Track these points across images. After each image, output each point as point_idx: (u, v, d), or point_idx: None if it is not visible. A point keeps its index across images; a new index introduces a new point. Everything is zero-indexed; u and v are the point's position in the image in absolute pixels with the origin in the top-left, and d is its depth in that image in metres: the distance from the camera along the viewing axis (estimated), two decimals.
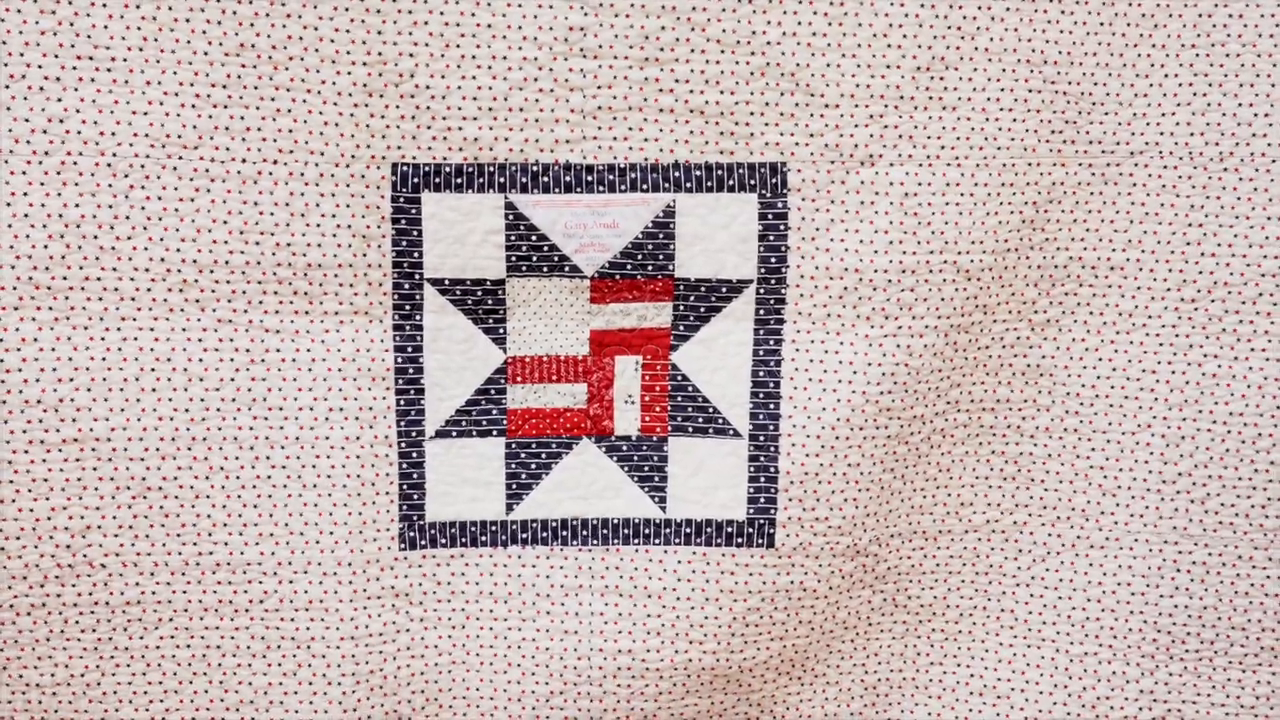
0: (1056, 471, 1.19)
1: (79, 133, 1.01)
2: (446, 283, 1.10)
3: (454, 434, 1.13)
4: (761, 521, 1.15)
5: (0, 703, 1.10)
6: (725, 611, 1.16)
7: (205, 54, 1.02)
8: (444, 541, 1.15)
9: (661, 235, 1.10)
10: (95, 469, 1.06)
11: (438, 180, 1.06)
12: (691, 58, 1.05)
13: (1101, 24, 1.09)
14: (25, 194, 1.01)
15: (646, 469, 1.16)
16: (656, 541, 1.17)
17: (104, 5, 1.00)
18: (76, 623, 1.09)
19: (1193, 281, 1.14)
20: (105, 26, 1.00)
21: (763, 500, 1.15)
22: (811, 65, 1.06)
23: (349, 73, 1.03)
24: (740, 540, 1.16)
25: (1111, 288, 1.15)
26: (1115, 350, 1.16)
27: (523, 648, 1.17)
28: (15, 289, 1.02)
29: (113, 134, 1.02)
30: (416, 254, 1.08)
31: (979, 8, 1.07)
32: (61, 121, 1.01)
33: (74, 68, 1.00)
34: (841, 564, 1.17)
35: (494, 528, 1.16)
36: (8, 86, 0.99)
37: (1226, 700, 1.20)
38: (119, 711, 1.12)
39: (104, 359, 1.05)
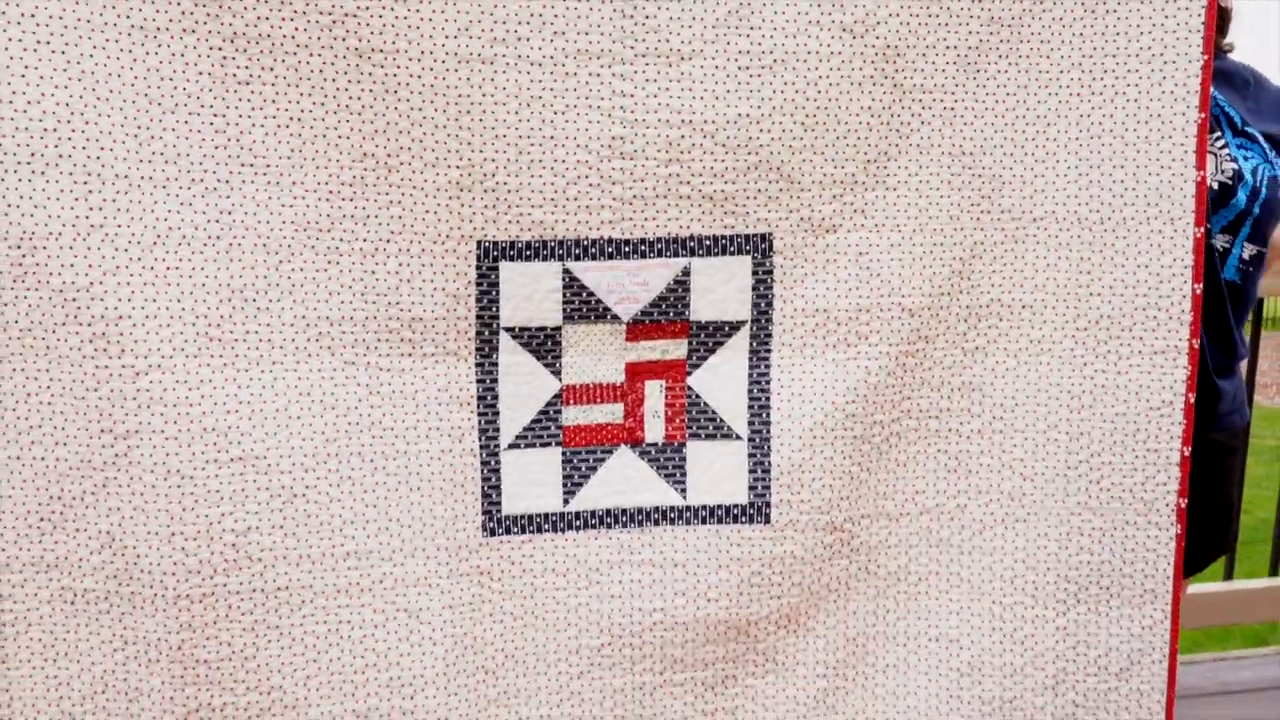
0: (987, 464, 1.54)
1: (243, 221, 1.34)
2: (517, 330, 1.43)
3: (523, 446, 1.46)
4: (760, 504, 1.49)
5: (174, 677, 1.40)
6: (734, 576, 1.50)
7: (337, 160, 1.35)
8: (516, 530, 1.47)
9: (680, 289, 1.44)
10: (254, 480, 1.37)
11: (512, 253, 1.40)
12: (703, 158, 1.39)
13: (1007, 124, 1.45)
14: (202, 268, 1.33)
15: (670, 467, 1.50)
16: (679, 523, 1.50)
17: (262, 125, 1.32)
18: (238, 607, 1.40)
19: (1084, 315, 1.49)
20: (263, 141, 1.33)
21: (760, 488, 1.49)
22: (791, 161, 1.41)
23: (445, 174, 1.36)
24: (744, 519, 1.49)
25: (1023, 321, 1.50)
26: (1028, 369, 1.51)
27: (579, 610, 1.49)
28: (195, 340, 1.34)
29: (267, 222, 1.34)
30: (494, 308, 1.41)
31: (913, 114, 1.43)
32: (230, 213, 1.33)
33: (239, 172, 1.33)
34: (823, 537, 1.51)
35: (554, 518, 1.48)
36: (189, 188, 1.32)
37: (1120, 631, 1.55)
38: (269, 680, 1.42)
39: (260, 394, 1.37)
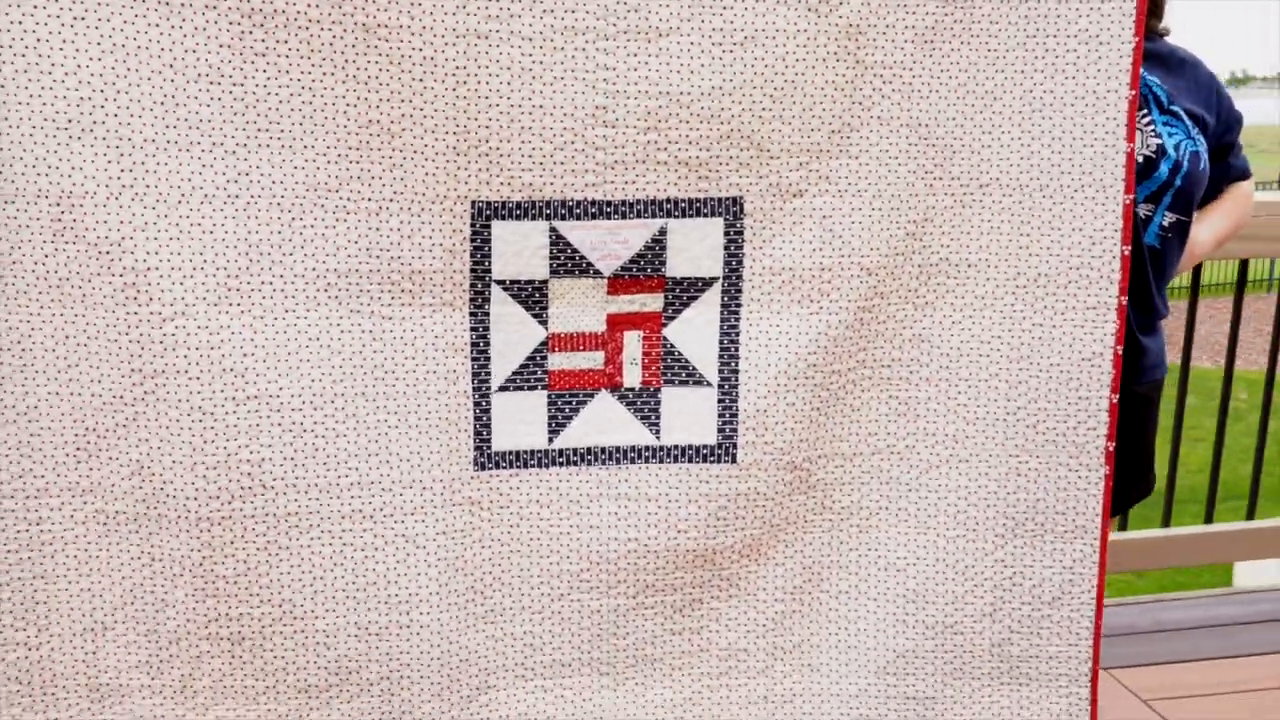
0: (934, 409, 1.69)
1: (258, 181, 1.47)
2: (507, 282, 1.57)
3: (511, 388, 1.61)
4: (727, 445, 1.64)
5: (196, 590, 1.55)
6: (702, 510, 1.65)
7: (344, 126, 1.48)
8: (504, 465, 1.62)
9: (657, 247, 1.58)
10: (268, 416, 1.52)
11: (503, 212, 1.53)
12: (679, 127, 1.53)
13: (958, 98, 1.58)
14: (221, 224, 1.47)
15: (646, 410, 1.65)
16: (653, 461, 1.65)
17: (276, 93, 1.45)
18: (253, 529, 1.54)
19: (1024, 274, 1.63)
20: (277, 108, 1.45)
21: (728, 430, 1.64)
22: (761, 131, 1.54)
23: (443, 139, 1.49)
24: (712, 458, 1.65)
25: (969, 279, 1.64)
26: (973, 322, 1.66)
27: (560, 539, 1.65)
28: (215, 290, 1.48)
29: (281, 182, 1.47)
30: (487, 263, 1.55)
31: (873, 89, 1.56)
32: (246, 174, 1.46)
33: (255, 136, 1.46)
34: (784, 475, 1.66)
35: (540, 454, 1.63)
36: (210, 151, 1.45)
37: (1053, 564, 1.71)
38: (280, 594, 1.57)
39: (273, 339, 1.51)
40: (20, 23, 1.36)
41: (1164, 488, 3.18)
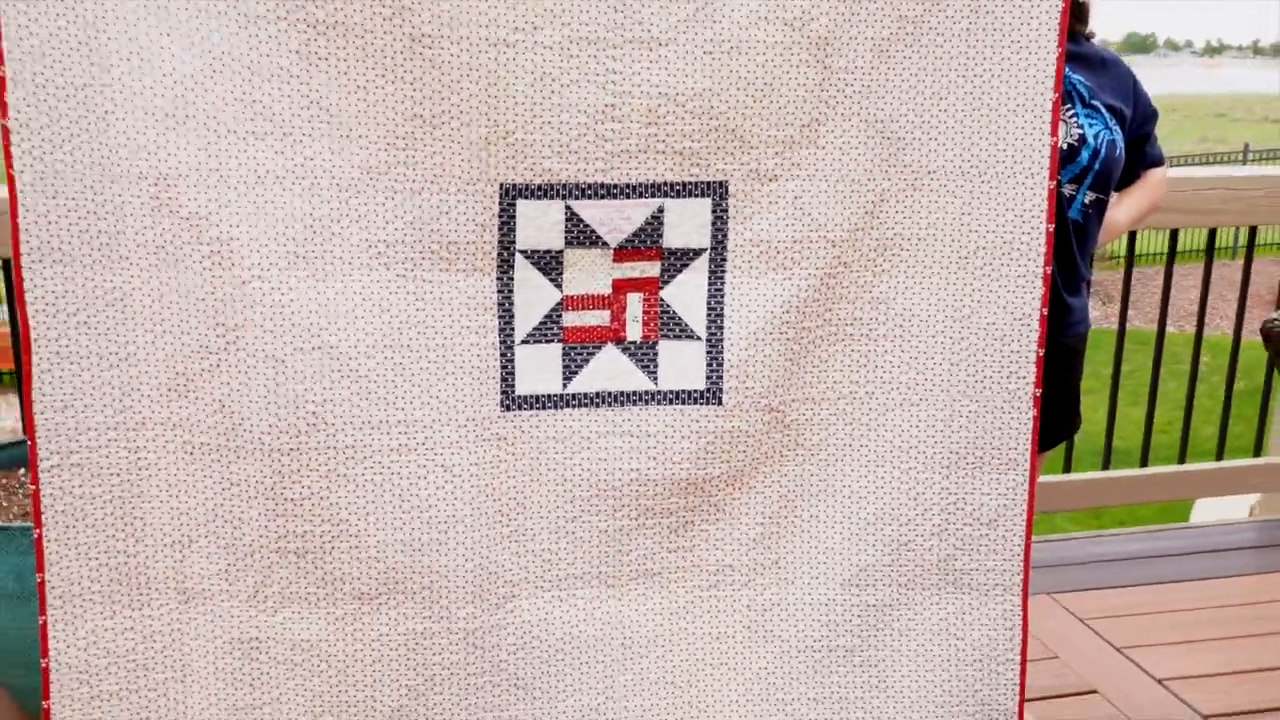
0: (890, 361, 1.98)
1: (321, 165, 1.75)
2: (529, 251, 1.85)
3: (532, 342, 1.90)
4: (714, 390, 1.94)
5: (267, 510, 1.83)
6: (693, 445, 1.94)
7: (393, 119, 1.75)
8: (526, 406, 1.91)
9: (655, 223, 1.87)
10: (329, 364, 1.80)
11: (526, 193, 1.82)
12: (675, 122, 1.81)
13: (910, 98, 1.87)
14: (290, 201, 1.74)
15: (645, 360, 1.94)
16: (652, 404, 1.94)
17: (337, 91, 1.73)
18: (316, 459, 1.82)
19: (965, 246, 1.93)
20: (338, 104, 1.73)
21: (714, 378, 1.93)
22: (743, 125, 1.83)
23: (476, 131, 1.77)
24: (701, 401, 1.94)
25: (919, 251, 1.94)
26: (922, 288, 1.95)
27: (573, 469, 1.94)
28: (285, 257, 1.75)
29: (340, 166, 1.75)
30: (511, 235, 1.83)
31: (838, 90, 1.85)
32: (311, 159, 1.74)
33: (319, 128, 1.73)
34: (762, 416, 1.96)
35: (555, 398, 1.92)
36: (281, 139, 1.72)
37: (990, 491, 2.02)
38: (338, 515, 1.84)
39: (333, 299, 1.78)
40: (127, 32, 1.63)
41: (1106, 440, 3.52)
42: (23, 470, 2.74)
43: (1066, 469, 3.43)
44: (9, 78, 1.63)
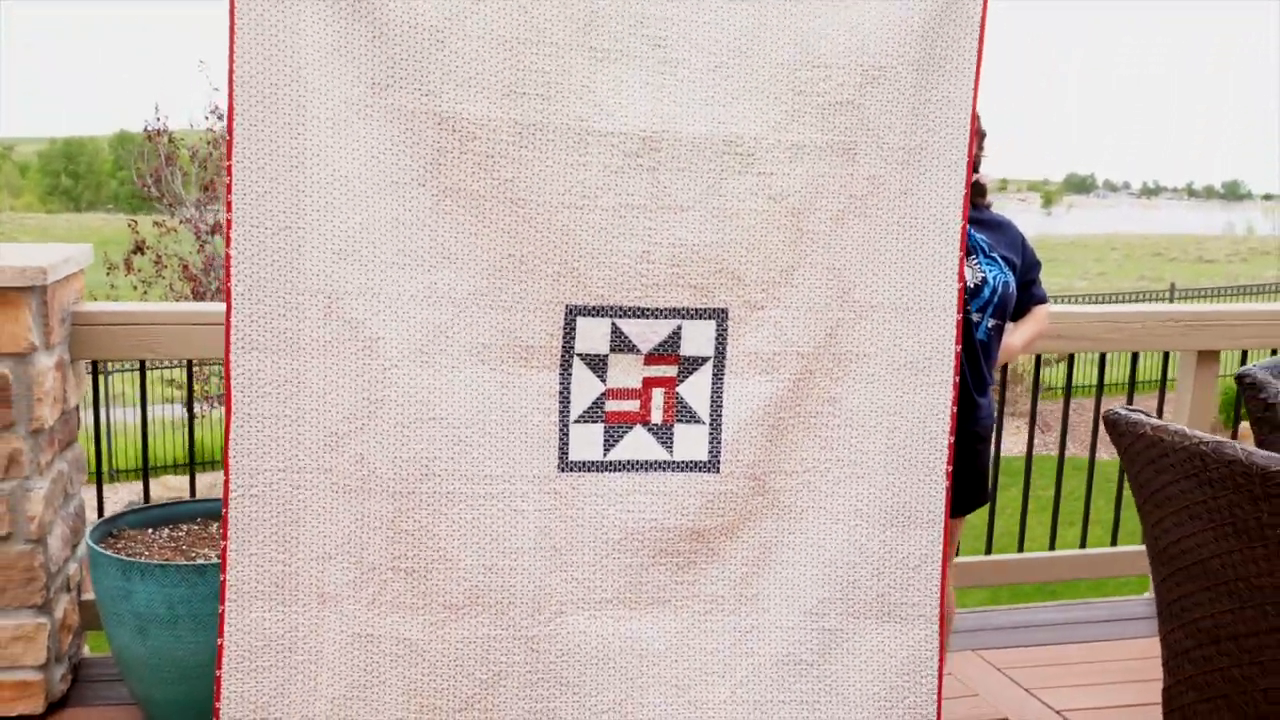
0: (844, 443, 2.67)
1: (443, 289, 2.45)
2: (584, 355, 2.55)
3: (582, 421, 2.58)
4: (714, 461, 2.62)
5: (387, 540, 2.48)
6: (696, 502, 2.62)
7: (495, 257, 2.47)
8: (576, 469, 2.58)
9: (675, 337, 2.58)
10: (440, 431, 2.45)
11: (584, 312, 2.52)
12: (692, 266, 2.53)
13: (859, 251, 2.60)
14: (421, 314, 2.44)
15: (664, 437, 2.63)
16: (668, 471, 2.62)
17: (455, 243, 2.44)
18: (424, 500, 2.46)
19: (897, 360, 2.64)
20: (456, 248, 2.45)
21: (714, 452, 2.62)
22: (740, 270, 2.55)
23: (552, 266, 2.47)
24: (704, 470, 2.63)
25: (864, 364, 2.63)
26: (867, 390, 2.65)
27: (608, 518, 2.60)
28: (413, 353, 2.43)
29: (456, 289, 2.45)
30: (572, 342, 2.54)
31: (807, 246, 2.58)
32: (436, 285, 2.44)
33: (444, 263, 2.45)
34: (749, 482, 2.64)
35: (598, 464, 2.60)
36: (426, 273, 2.43)
37: (915, 543, 2.68)
38: (439, 544, 2.50)
39: (446, 384, 2.45)
40: (318, 191, 2.35)
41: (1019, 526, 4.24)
42: (215, 525, 3.30)
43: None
44: (234, 220, 2.33)
